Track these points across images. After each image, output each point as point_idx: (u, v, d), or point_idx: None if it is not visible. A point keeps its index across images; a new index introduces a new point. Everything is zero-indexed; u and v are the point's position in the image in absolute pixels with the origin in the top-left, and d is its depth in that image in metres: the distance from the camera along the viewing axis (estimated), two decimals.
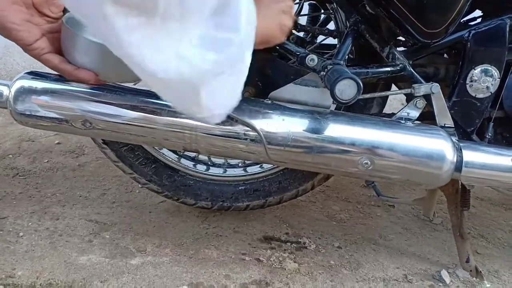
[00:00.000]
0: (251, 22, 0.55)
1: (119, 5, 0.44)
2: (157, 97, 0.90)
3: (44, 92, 0.88)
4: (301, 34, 1.25)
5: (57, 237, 1.12)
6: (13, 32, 0.64)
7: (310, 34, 1.25)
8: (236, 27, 0.52)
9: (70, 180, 1.42)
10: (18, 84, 0.88)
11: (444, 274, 1.08)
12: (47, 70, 0.90)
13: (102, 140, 1.09)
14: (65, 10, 0.73)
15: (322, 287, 1.02)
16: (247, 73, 0.59)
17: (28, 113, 0.88)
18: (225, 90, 0.59)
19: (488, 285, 1.06)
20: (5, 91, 0.89)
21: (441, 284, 1.06)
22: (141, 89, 0.91)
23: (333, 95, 0.80)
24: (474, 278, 1.08)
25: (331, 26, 1.16)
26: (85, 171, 1.49)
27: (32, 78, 0.89)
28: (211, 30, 0.50)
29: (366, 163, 0.87)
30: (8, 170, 1.45)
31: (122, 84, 0.91)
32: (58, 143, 1.66)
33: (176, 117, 0.89)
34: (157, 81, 0.53)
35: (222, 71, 0.54)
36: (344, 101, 0.80)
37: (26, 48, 0.66)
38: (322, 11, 1.23)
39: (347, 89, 0.79)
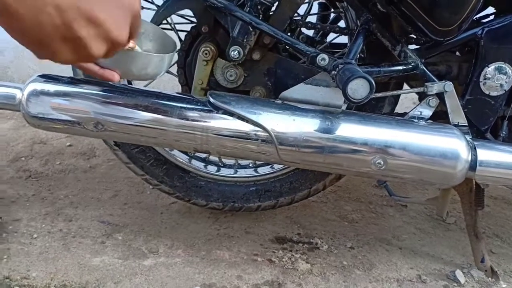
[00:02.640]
0: None
1: None
2: (168, 99, 0.90)
3: (57, 94, 0.88)
4: (311, 33, 1.25)
5: (70, 238, 1.13)
6: None
7: (320, 33, 1.25)
8: None
9: (82, 182, 1.43)
10: (31, 87, 0.89)
11: (459, 274, 1.06)
12: (58, 72, 0.91)
13: (114, 142, 1.10)
14: None
15: (335, 287, 1.01)
16: None
17: (41, 116, 0.89)
18: None
19: (504, 286, 1.05)
20: (18, 94, 0.90)
21: (455, 284, 1.05)
22: (152, 91, 0.91)
23: (345, 94, 0.79)
24: (490, 278, 1.06)
25: (341, 24, 1.15)
26: (97, 173, 1.50)
27: (44, 81, 0.90)
28: None
29: (379, 163, 0.86)
30: (21, 172, 1.46)
31: (134, 86, 0.92)
32: (70, 145, 1.68)
33: (187, 118, 0.89)
34: None
35: None
36: (356, 101, 0.79)
37: None
38: (332, 10, 1.22)
39: (359, 88, 0.79)
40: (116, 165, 1.53)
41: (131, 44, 0.66)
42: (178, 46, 0.93)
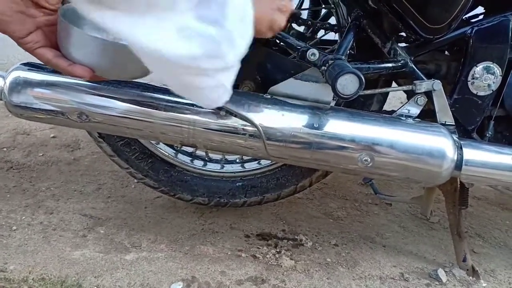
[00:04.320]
0: (241, 16, 0.51)
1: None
2: (155, 91, 0.89)
3: (40, 83, 0.86)
4: (302, 29, 1.24)
5: (51, 231, 1.10)
6: (3, 24, 0.60)
7: (311, 29, 1.24)
8: (218, 21, 0.49)
9: (65, 174, 1.40)
10: (14, 75, 0.87)
11: (441, 273, 1.07)
12: None
13: (98, 133, 1.08)
14: (63, 2, 0.70)
15: (318, 284, 1.01)
16: (233, 73, 0.56)
17: (24, 105, 0.87)
18: (212, 90, 0.57)
19: (484, 284, 1.06)
20: (0, 82, 0.87)
21: (437, 282, 1.05)
22: (138, 82, 0.90)
23: (334, 90, 0.79)
24: (471, 277, 1.07)
25: (332, 21, 1.15)
26: (80, 165, 1.47)
27: (28, 69, 0.88)
28: (192, 21, 0.48)
29: (366, 160, 0.86)
30: (2, 163, 1.43)
31: None
32: (54, 137, 1.64)
33: (174, 111, 0.88)
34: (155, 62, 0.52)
35: (200, 68, 0.51)
36: (345, 96, 0.79)
37: (19, 41, 0.63)
38: (323, 5, 1.22)
39: (349, 84, 0.78)
40: (101, 158, 1.50)
41: None
42: None
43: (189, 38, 0.48)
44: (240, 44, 0.53)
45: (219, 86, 0.56)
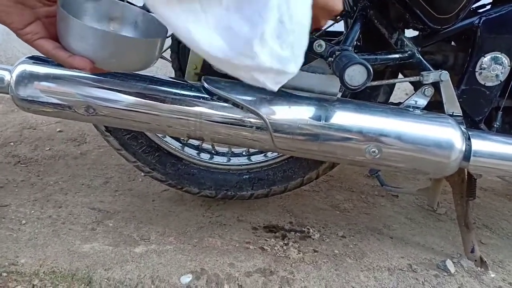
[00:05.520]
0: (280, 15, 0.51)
1: None
2: (162, 84, 0.89)
3: (46, 77, 0.87)
4: None
5: (60, 225, 1.11)
6: (2, 14, 0.59)
7: None
8: (254, 23, 0.50)
9: (72, 168, 1.41)
10: (20, 68, 0.87)
11: (449, 263, 1.07)
12: None
13: (105, 127, 1.08)
14: None
15: (326, 275, 1.01)
16: (274, 75, 0.56)
17: (30, 98, 0.87)
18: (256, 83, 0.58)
19: (493, 275, 1.06)
20: (7, 76, 0.88)
21: (445, 273, 1.05)
22: (145, 75, 0.90)
23: (342, 81, 0.78)
24: (479, 268, 1.07)
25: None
26: (87, 159, 1.48)
27: (33, 62, 0.88)
28: (230, 16, 0.49)
29: (374, 152, 0.85)
30: (10, 157, 1.44)
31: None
32: (60, 131, 1.65)
33: (181, 104, 0.87)
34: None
35: (229, 59, 0.52)
36: (353, 87, 0.79)
37: (18, 32, 0.62)
38: None
39: (356, 75, 0.78)
40: (107, 152, 1.51)
41: None
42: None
43: (224, 34, 0.50)
44: (273, 44, 0.52)
45: (257, 82, 0.56)
